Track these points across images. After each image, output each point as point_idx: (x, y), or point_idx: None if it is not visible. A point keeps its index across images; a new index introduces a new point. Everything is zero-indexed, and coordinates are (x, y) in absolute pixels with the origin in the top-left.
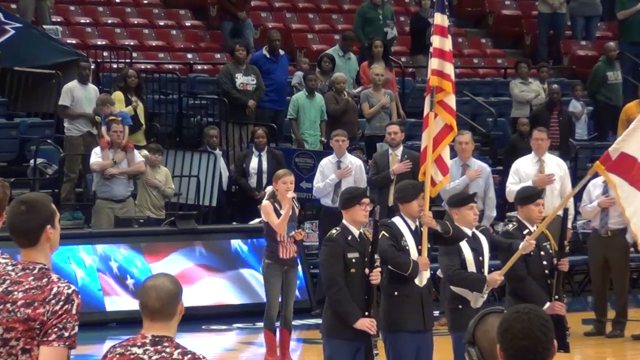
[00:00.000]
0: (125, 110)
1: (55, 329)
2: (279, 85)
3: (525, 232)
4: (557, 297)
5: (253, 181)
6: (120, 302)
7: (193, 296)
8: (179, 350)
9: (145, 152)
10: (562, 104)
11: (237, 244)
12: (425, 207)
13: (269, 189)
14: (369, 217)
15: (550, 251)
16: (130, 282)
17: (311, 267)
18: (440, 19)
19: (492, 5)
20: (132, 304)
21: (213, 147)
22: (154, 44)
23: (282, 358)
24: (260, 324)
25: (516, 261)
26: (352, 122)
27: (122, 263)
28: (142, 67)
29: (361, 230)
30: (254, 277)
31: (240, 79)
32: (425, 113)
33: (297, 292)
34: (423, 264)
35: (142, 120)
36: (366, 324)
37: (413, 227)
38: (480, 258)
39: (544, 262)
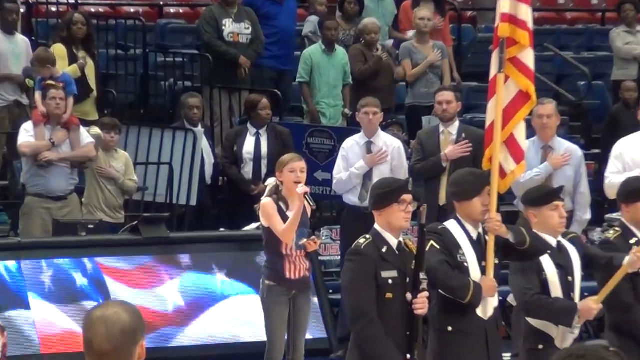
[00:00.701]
0: (68, 71)
1: None
2: (285, 35)
3: (632, 241)
4: None
5: (248, 170)
6: (60, 341)
7: (162, 334)
8: None
9: (96, 129)
10: None
11: (225, 258)
12: (492, 207)
13: (271, 181)
14: (412, 220)
15: None
16: (72, 311)
17: (330, 291)
18: None
19: None
20: (76, 344)
21: (192, 123)
22: None
23: None
24: None
25: (620, 283)
26: (388, 88)
27: (62, 286)
28: (93, 10)
29: (401, 240)
30: (250, 306)
31: (229, 26)
32: (491, 75)
33: (310, 327)
34: (488, 288)
35: (93, 85)
36: None
37: (474, 236)
38: (569, 278)
39: None
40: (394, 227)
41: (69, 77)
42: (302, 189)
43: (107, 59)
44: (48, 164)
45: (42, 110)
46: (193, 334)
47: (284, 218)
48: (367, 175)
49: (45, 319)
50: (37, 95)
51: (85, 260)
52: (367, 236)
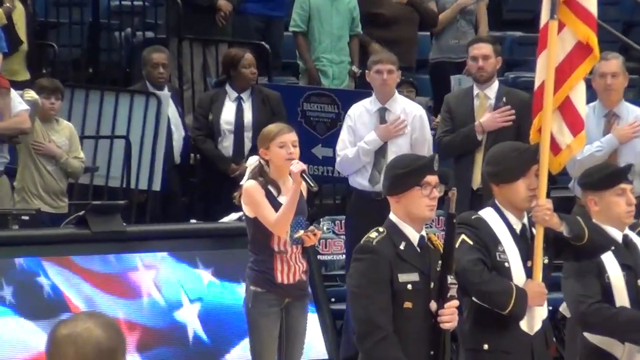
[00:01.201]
0: None
1: None
2: None
3: None
4: None
5: (227, 145)
6: None
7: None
8: None
9: (31, 93)
10: None
11: (200, 258)
12: (541, 191)
13: (253, 160)
14: (438, 209)
15: None
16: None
17: (332, 299)
18: None
19: None
20: None
21: (156, 85)
22: None
23: None
24: None
25: None
26: (408, 39)
27: None
28: None
29: (424, 234)
30: (234, 317)
31: None
32: (542, 22)
33: (306, 345)
34: (535, 294)
35: (23, 36)
36: None
37: (518, 228)
38: (639, 282)
39: None
40: (415, 217)
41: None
42: (297, 166)
43: (46, 3)
44: None
45: None
46: (158, 355)
47: (275, 205)
48: (381, 152)
49: None
50: None
51: (20, 260)
52: (381, 229)
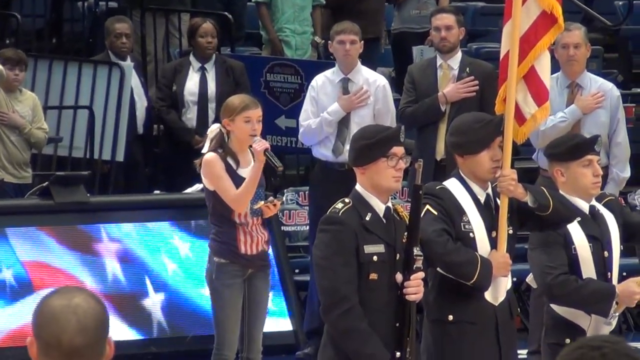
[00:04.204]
0: None
1: None
2: None
3: None
4: None
5: (191, 116)
6: None
7: None
8: None
9: None
10: None
11: (163, 229)
12: (505, 162)
13: (214, 128)
14: (403, 180)
15: None
16: None
17: (296, 270)
18: None
19: None
20: None
21: (119, 55)
22: None
23: None
24: None
25: None
26: (374, 10)
27: None
28: None
29: (389, 205)
30: (196, 290)
31: None
32: None
33: (269, 316)
34: (500, 265)
35: None
36: None
37: (482, 198)
38: (605, 253)
39: None
40: (381, 188)
41: None
42: (261, 144)
43: None
44: None
45: None
46: (123, 327)
47: (234, 178)
48: (344, 122)
49: None
50: None
51: None
52: (347, 200)
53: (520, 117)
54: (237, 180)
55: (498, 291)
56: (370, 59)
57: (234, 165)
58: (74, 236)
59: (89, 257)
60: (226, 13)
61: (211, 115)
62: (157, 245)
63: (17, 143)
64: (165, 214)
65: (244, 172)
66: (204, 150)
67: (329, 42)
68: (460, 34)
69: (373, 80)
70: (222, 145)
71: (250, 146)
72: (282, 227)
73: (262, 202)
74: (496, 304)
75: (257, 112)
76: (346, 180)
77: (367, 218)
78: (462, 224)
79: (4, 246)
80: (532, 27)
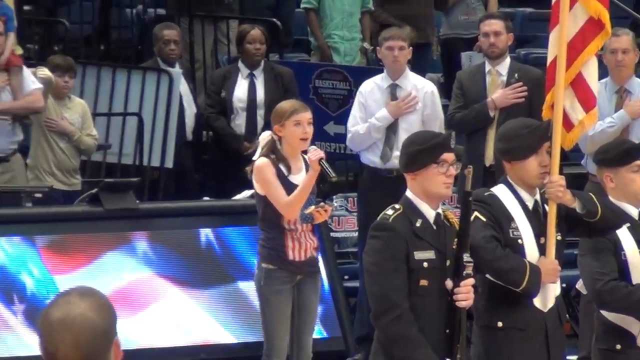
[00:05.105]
0: (7, 1)
1: None
2: None
3: None
4: None
5: (240, 123)
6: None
7: (139, 331)
8: None
9: (45, 71)
10: None
11: (211, 235)
12: (553, 168)
13: (265, 135)
14: (454, 186)
15: None
16: (19, 307)
17: (345, 277)
18: None
19: None
20: (22, 348)
21: (168, 62)
22: None
23: None
24: None
25: None
26: (421, 15)
27: (1, 273)
28: None
29: (440, 211)
30: (246, 295)
31: None
32: None
33: (319, 323)
34: (549, 271)
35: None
36: None
37: (530, 205)
38: None
39: None
40: (431, 194)
41: (10, 11)
42: (316, 153)
43: None
44: None
45: None
46: (171, 334)
47: (285, 185)
48: (392, 128)
49: None
50: None
51: (33, 238)
52: (397, 206)
53: (568, 124)
54: (289, 187)
55: (547, 297)
56: (420, 65)
57: (285, 172)
58: (125, 246)
59: (140, 264)
60: (274, 19)
61: (260, 121)
62: (212, 247)
63: (66, 150)
64: (215, 220)
65: (295, 178)
66: (255, 157)
67: (378, 48)
68: (509, 39)
69: (421, 86)
70: (274, 152)
71: (305, 152)
72: (332, 234)
73: (313, 208)
74: (545, 310)
75: (306, 115)
76: (394, 187)
77: (418, 224)
78: (510, 230)
79: (39, 262)
80: (580, 33)
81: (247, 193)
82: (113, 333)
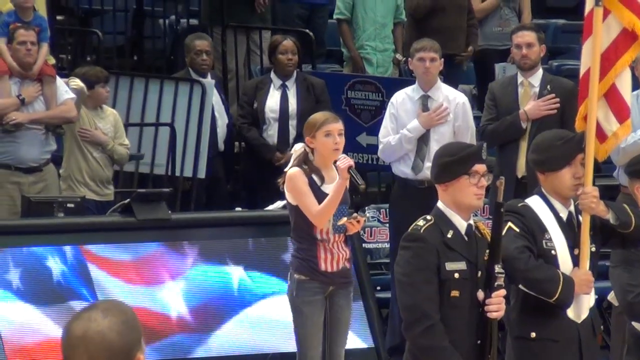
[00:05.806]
0: (41, 12)
1: None
2: None
3: None
4: None
5: (272, 133)
6: (33, 352)
7: (170, 343)
8: None
9: (77, 81)
10: None
11: (244, 246)
12: (587, 179)
13: (298, 147)
14: (485, 197)
15: None
16: (50, 313)
17: (377, 288)
18: None
19: None
20: (54, 354)
21: (200, 72)
22: None
23: None
24: None
25: None
26: (455, 27)
27: (35, 281)
28: None
29: (471, 222)
30: (276, 308)
31: None
32: (587, 10)
33: (351, 333)
34: (582, 282)
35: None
36: None
37: (564, 216)
38: None
39: None
40: (462, 205)
41: (44, 22)
42: (345, 161)
43: None
44: (16, 127)
45: (8, 59)
46: (201, 345)
47: (318, 195)
48: (423, 139)
49: (14, 324)
50: (1, 41)
51: (65, 248)
52: (428, 217)
53: (601, 135)
54: (321, 197)
55: (580, 308)
56: (452, 76)
57: (318, 182)
58: (157, 255)
59: (170, 274)
60: (307, 30)
61: (292, 132)
62: (239, 260)
63: (99, 160)
64: (247, 230)
65: (328, 188)
66: (287, 168)
67: (409, 59)
68: (542, 51)
69: (453, 98)
70: (306, 163)
71: (335, 162)
72: (364, 245)
73: (346, 219)
74: (579, 322)
75: (337, 126)
76: (426, 198)
77: (449, 235)
78: (544, 241)
79: (81, 265)
80: (613, 44)
81: (279, 204)
82: (136, 349)
